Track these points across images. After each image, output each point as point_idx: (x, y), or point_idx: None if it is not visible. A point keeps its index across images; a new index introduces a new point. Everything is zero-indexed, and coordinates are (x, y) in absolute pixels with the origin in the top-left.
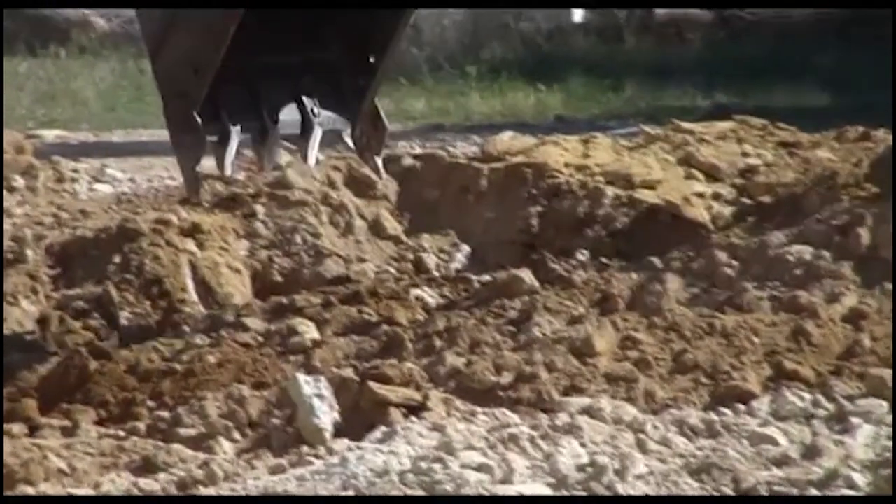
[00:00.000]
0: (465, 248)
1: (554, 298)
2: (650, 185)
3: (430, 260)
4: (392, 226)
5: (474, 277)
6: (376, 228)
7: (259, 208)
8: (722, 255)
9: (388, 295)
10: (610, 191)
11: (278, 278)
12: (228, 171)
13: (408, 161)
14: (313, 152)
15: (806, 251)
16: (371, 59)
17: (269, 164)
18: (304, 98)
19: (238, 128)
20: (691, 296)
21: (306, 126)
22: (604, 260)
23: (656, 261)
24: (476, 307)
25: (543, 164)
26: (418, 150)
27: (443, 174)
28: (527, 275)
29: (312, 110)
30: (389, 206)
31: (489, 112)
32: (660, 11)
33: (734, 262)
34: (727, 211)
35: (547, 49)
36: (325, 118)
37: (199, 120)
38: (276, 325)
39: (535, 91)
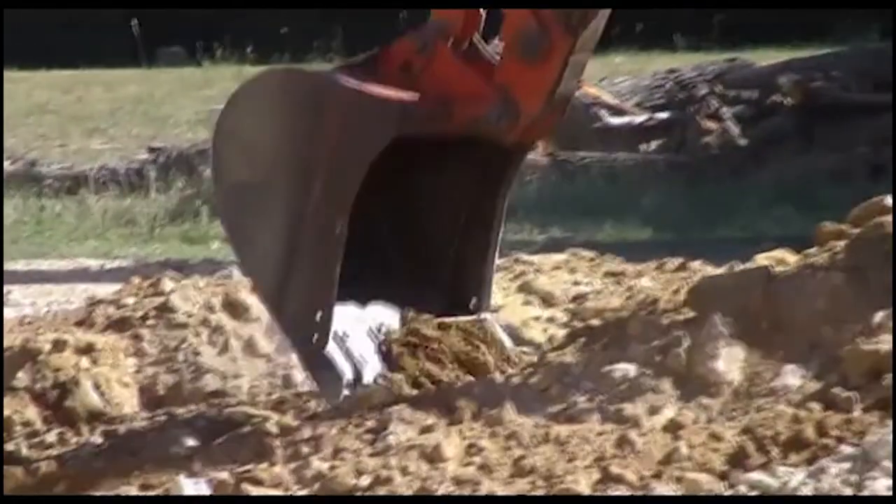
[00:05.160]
0: None
1: (407, 410)
2: (492, 310)
3: (298, 375)
4: (265, 345)
5: None
6: (250, 347)
7: (144, 331)
8: (556, 372)
9: (262, 407)
10: None
11: (162, 392)
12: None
13: None
14: None
15: (630, 369)
16: (472, 304)
17: None
18: None
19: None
20: (529, 408)
21: None
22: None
23: (498, 376)
24: (339, 418)
25: None
26: None
27: None
28: (382, 387)
29: None
30: (262, 328)
31: None
32: None
33: (566, 379)
34: (561, 333)
35: None
36: None
37: (333, 358)
38: (161, 434)
39: None
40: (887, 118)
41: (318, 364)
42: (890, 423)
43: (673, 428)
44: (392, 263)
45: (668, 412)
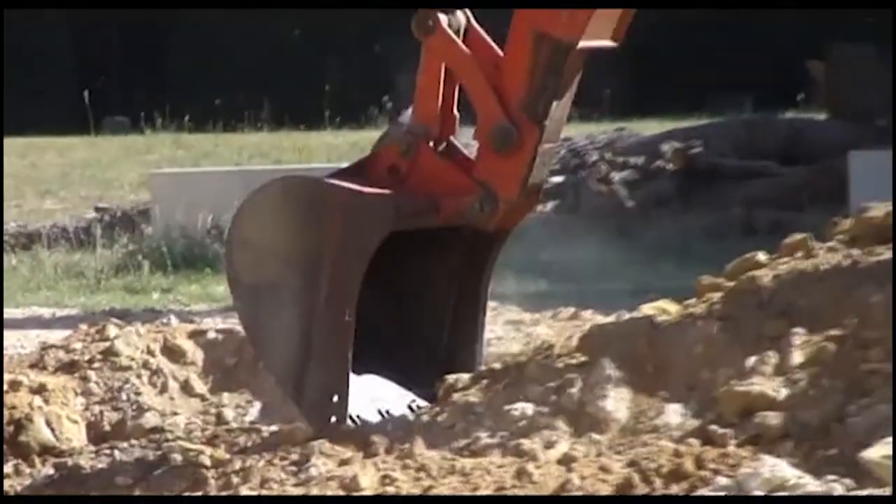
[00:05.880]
0: (258, 404)
1: (327, 445)
2: None
3: (229, 413)
4: (199, 386)
5: (264, 427)
6: (186, 388)
7: (91, 373)
8: (461, 410)
9: (196, 442)
10: None
11: (108, 428)
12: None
13: (212, 335)
14: None
15: (528, 408)
16: None
17: None
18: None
19: None
20: (437, 443)
21: None
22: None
23: (410, 415)
24: (266, 451)
25: None
26: (220, 326)
27: (239, 345)
28: (306, 426)
29: None
30: (197, 370)
31: None
32: None
33: (470, 416)
34: (466, 376)
35: None
36: None
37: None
38: (106, 466)
39: None
40: (759, 182)
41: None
42: (761, 456)
43: (566, 461)
44: (390, 345)
45: (562, 447)
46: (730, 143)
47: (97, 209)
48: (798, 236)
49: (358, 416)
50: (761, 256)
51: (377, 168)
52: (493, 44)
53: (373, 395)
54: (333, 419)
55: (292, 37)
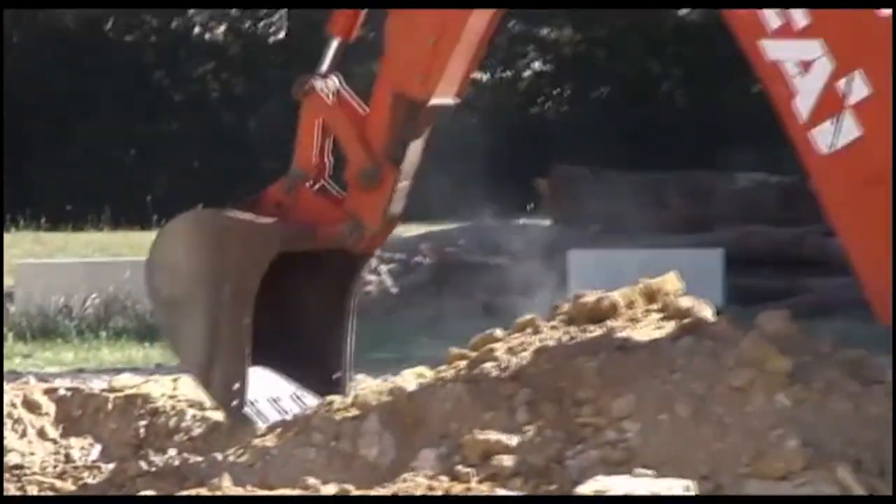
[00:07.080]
0: (98, 447)
1: (151, 479)
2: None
3: (76, 454)
4: (52, 432)
5: (104, 465)
6: (42, 434)
7: None
8: (260, 452)
9: (49, 476)
10: (190, 411)
11: None
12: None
13: (62, 391)
14: None
15: (312, 451)
16: (335, 376)
17: None
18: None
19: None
20: (241, 478)
21: None
22: (185, 454)
23: (219, 456)
24: (104, 485)
25: (148, 394)
26: (68, 384)
27: (84, 401)
28: (136, 464)
29: None
30: (50, 420)
31: (114, 361)
32: None
33: (267, 457)
34: (263, 426)
35: (151, 321)
36: None
37: (251, 416)
38: None
39: (144, 348)
40: (497, 274)
41: (239, 420)
42: (497, 490)
43: (342, 493)
44: (279, 348)
45: (338, 482)
46: (475, 242)
47: None
48: (528, 316)
49: (255, 402)
50: (498, 332)
51: (266, 203)
52: (359, 102)
53: (266, 386)
54: (235, 402)
55: (127, 156)
